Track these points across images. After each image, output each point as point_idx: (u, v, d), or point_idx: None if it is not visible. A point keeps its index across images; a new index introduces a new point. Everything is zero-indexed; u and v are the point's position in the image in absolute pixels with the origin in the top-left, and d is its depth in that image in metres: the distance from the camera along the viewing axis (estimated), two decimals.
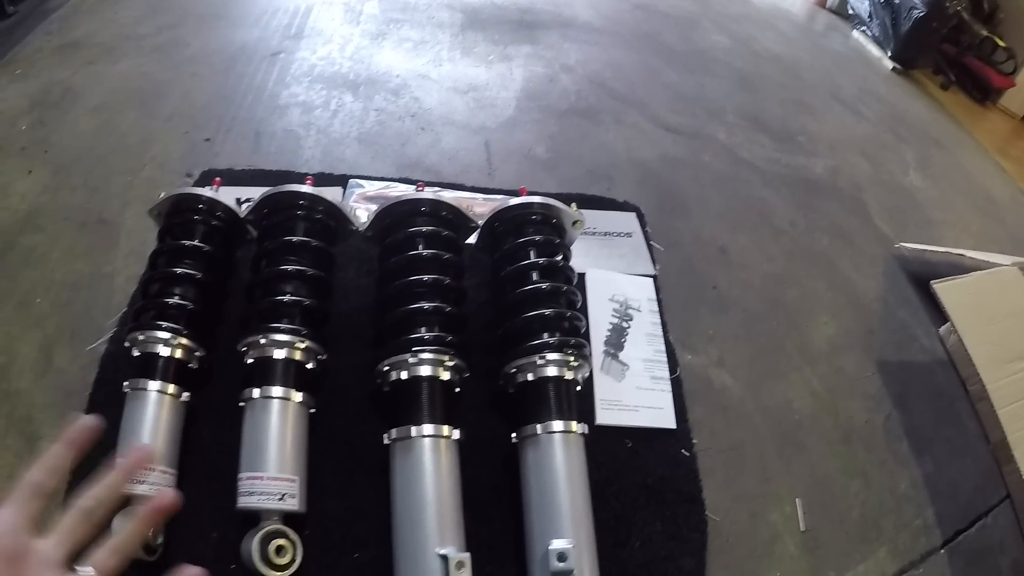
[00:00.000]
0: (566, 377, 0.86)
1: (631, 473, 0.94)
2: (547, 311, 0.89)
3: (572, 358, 0.86)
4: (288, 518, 0.80)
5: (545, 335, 0.88)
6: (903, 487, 1.03)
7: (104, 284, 1.06)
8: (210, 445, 0.89)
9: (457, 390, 0.88)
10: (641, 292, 1.11)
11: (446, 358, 0.84)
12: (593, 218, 1.21)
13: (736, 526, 0.95)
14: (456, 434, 0.82)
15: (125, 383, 0.85)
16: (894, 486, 1.03)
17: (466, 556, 0.74)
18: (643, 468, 0.95)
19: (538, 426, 0.82)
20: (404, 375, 0.84)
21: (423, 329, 0.86)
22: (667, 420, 0.99)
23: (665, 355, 1.05)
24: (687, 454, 0.98)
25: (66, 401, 0.93)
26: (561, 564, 0.74)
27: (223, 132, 1.35)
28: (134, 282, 1.05)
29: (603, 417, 0.97)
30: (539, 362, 0.85)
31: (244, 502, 0.79)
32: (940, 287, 1.22)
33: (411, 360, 0.83)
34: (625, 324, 1.06)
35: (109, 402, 0.89)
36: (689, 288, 1.19)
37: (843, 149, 1.68)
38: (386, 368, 0.85)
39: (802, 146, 1.64)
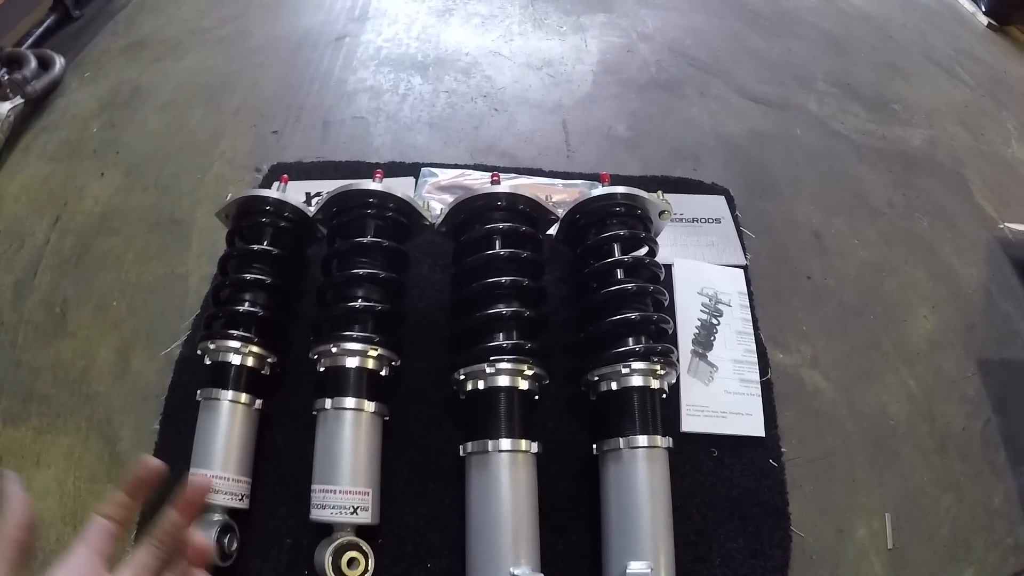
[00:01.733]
0: (652, 387, 0.81)
1: (715, 485, 0.89)
2: (633, 315, 0.83)
3: (659, 366, 0.81)
4: (361, 527, 0.79)
5: (630, 341, 0.83)
6: (997, 502, 0.96)
7: (178, 285, 1.07)
8: (284, 451, 0.90)
9: (536, 398, 0.84)
10: (732, 285, 1.04)
11: (525, 367, 0.80)
12: (679, 203, 1.13)
13: (821, 543, 0.89)
14: (535, 447, 0.78)
15: (198, 392, 0.86)
16: (987, 500, 0.96)
17: None
18: (728, 479, 0.90)
19: (621, 440, 0.78)
20: (481, 385, 0.80)
21: (501, 335, 0.82)
22: (756, 428, 0.93)
23: (755, 355, 0.99)
24: (775, 464, 0.92)
25: (143, 404, 0.95)
26: None
27: (291, 123, 1.33)
28: (207, 282, 1.05)
29: (689, 424, 0.91)
30: (624, 371, 0.80)
31: (317, 515, 0.78)
32: None
33: (488, 370, 0.79)
34: (715, 320, 1.00)
35: (184, 406, 0.92)
36: (782, 278, 1.12)
37: (941, 118, 1.55)
38: (462, 377, 0.82)
39: (898, 115, 1.51)
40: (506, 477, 0.76)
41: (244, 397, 0.85)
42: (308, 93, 1.41)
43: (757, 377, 0.96)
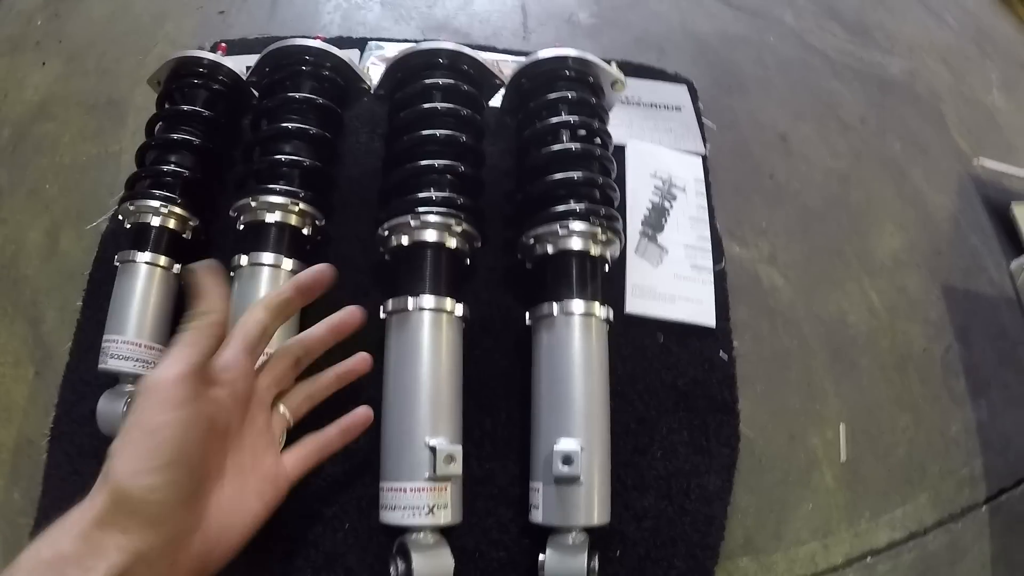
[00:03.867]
0: (592, 252, 0.75)
1: (660, 372, 0.84)
2: (575, 174, 0.77)
3: (600, 230, 0.75)
4: None
5: (571, 202, 0.76)
6: (954, 430, 0.93)
7: (111, 163, 1.04)
8: None
9: (468, 262, 0.78)
10: (688, 171, 0.98)
11: (454, 222, 0.73)
12: (638, 88, 1.06)
13: (771, 447, 0.86)
14: (460, 309, 0.72)
15: (115, 256, 0.81)
16: (945, 427, 0.93)
17: (456, 449, 0.66)
18: (674, 367, 0.85)
19: (555, 305, 0.72)
20: (405, 240, 0.74)
21: (432, 189, 0.75)
22: (706, 316, 0.87)
23: (709, 243, 0.93)
24: (725, 358, 0.87)
25: (69, 283, 0.92)
26: (566, 468, 0.65)
27: (238, 2, 1.26)
28: None
29: (633, 305, 0.85)
30: (562, 232, 0.74)
31: None
32: (1021, 209, 1.11)
33: (414, 223, 0.72)
34: (667, 204, 0.94)
35: (108, 279, 0.85)
36: (742, 174, 1.06)
37: (923, 53, 1.49)
38: (386, 232, 0.75)
39: (878, 42, 1.45)
40: (427, 338, 0.69)
41: (163, 260, 0.80)
42: None
43: (710, 265, 0.91)
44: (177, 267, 0.81)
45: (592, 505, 0.67)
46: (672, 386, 0.83)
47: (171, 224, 0.81)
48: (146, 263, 0.79)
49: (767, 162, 1.10)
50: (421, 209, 0.72)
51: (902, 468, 0.89)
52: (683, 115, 1.05)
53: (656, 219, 0.92)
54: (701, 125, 1.05)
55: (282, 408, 0.61)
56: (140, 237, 0.81)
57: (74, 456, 0.79)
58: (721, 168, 1.03)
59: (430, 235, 0.73)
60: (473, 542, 0.72)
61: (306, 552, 0.73)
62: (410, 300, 0.70)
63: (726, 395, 0.85)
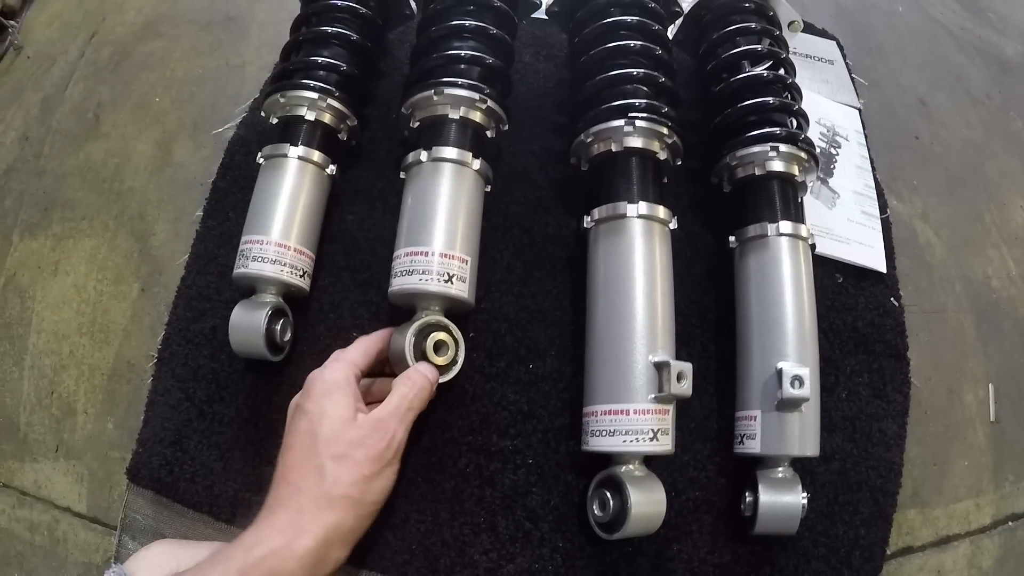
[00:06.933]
0: (797, 176, 0.71)
1: (841, 312, 0.81)
2: (772, 99, 0.73)
3: (804, 155, 0.71)
4: (452, 311, 0.65)
5: (773, 126, 0.72)
6: None
7: (233, 75, 0.95)
8: (355, 231, 0.76)
9: (665, 181, 0.72)
10: (847, 122, 0.95)
11: (665, 131, 0.68)
12: (793, 38, 1.02)
13: (934, 398, 0.84)
14: (674, 222, 0.67)
15: (260, 153, 0.71)
16: None
17: (687, 366, 0.59)
18: (853, 309, 0.82)
19: (768, 226, 0.68)
20: (614, 147, 0.68)
21: (634, 97, 0.69)
22: (878, 261, 0.84)
23: (875, 191, 0.90)
24: (896, 304, 0.84)
25: (184, 194, 0.83)
26: (796, 391, 0.60)
27: None
28: (267, 71, 0.92)
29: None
30: (770, 153, 0.70)
31: (400, 284, 0.63)
32: None
33: (626, 128, 0.67)
34: (833, 151, 0.91)
35: (236, 188, 0.79)
36: (891, 132, 1.04)
37: None
38: (589, 139, 0.70)
39: (992, 23, 1.42)
40: (642, 247, 0.63)
41: (317, 156, 0.70)
42: None
43: (877, 213, 0.88)
44: (332, 167, 0.71)
45: (808, 434, 0.63)
46: (852, 328, 0.80)
47: (327, 119, 0.72)
48: (298, 157, 0.69)
49: (911, 124, 1.08)
50: (633, 114, 0.67)
51: None
52: (836, 69, 1.03)
53: (826, 164, 0.89)
54: (852, 80, 1.02)
55: None
56: (290, 131, 0.71)
57: (187, 380, 0.70)
58: (872, 124, 1.00)
59: (639, 142, 0.68)
60: (669, 480, 0.64)
61: (480, 491, 0.66)
62: (626, 207, 0.64)
63: (898, 342, 0.82)
